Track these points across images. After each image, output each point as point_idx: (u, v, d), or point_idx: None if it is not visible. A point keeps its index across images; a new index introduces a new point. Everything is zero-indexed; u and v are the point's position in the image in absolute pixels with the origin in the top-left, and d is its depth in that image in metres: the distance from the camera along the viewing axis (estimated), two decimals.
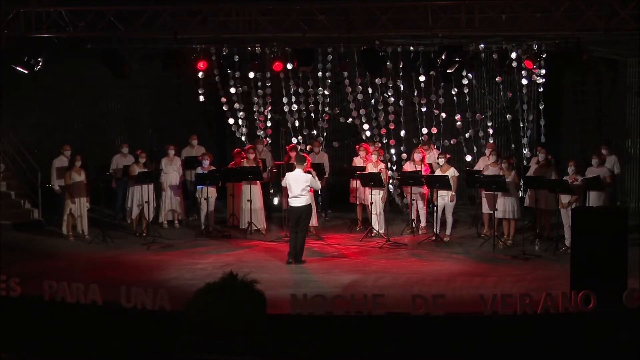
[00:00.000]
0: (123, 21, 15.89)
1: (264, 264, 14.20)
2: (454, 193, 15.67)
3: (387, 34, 16.31)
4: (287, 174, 14.63)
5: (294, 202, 14.18)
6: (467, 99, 18.42)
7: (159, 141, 17.12)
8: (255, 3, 15.85)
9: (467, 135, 18.50)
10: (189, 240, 16.23)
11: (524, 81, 17.88)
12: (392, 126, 18.54)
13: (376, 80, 18.39)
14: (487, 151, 16.47)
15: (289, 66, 17.78)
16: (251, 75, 18.64)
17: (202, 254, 15.12)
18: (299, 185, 14.11)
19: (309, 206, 14.34)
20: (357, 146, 17.33)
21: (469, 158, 18.14)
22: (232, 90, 19.00)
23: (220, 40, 17.44)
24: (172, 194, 17.25)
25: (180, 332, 10.12)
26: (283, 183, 14.71)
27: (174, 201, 17.34)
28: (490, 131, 18.40)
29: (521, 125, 18.15)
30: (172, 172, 17.13)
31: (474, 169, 16.65)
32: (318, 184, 14.62)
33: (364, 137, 18.39)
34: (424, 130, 18.44)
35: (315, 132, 18.90)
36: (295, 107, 18.82)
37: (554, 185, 14.72)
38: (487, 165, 15.90)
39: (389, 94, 18.47)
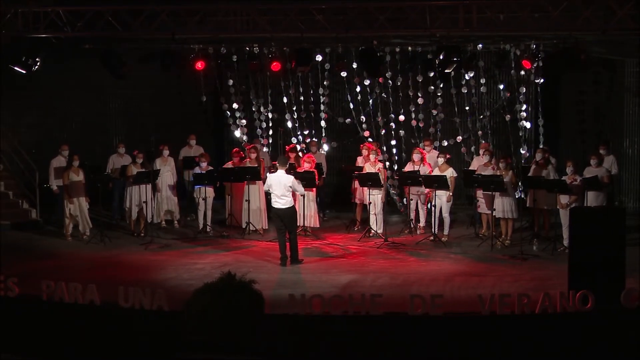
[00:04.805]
0: (121, 21, 15.91)
1: (262, 264, 14.20)
2: (451, 193, 15.67)
3: (385, 34, 16.32)
4: (268, 175, 14.59)
5: (277, 204, 14.09)
6: (465, 99, 18.42)
7: (157, 141, 17.11)
8: (253, 3, 15.86)
9: (465, 135, 18.52)
10: (187, 241, 16.23)
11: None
12: (392, 126, 18.56)
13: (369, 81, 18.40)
14: (481, 151, 16.48)
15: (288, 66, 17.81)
16: (249, 75, 18.65)
17: (200, 254, 15.11)
18: (281, 187, 14.01)
19: (292, 208, 14.20)
20: (360, 145, 17.32)
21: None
22: (231, 90, 19.00)
23: (218, 40, 17.43)
24: (168, 194, 17.23)
25: (178, 332, 10.12)
26: (265, 187, 14.59)
27: (171, 202, 17.34)
28: (480, 133, 18.39)
29: (519, 125, 18.14)
30: (166, 172, 17.10)
31: (469, 169, 16.64)
32: (301, 189, 14.45)
33: (368, 138, 18.33)
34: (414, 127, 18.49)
35: (314, 131, 18.91)
36: (294, 107, 18.82)
37: (552, 185, 14.73)
38: (481, 165, 15.90)
39: (386, 94, 18.47)
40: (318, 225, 16.51)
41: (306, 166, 15.86)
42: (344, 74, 18.23)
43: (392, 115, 18.57)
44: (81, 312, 10.78)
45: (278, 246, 14.31)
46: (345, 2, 15.85)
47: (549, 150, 16.15)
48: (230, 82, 18.90)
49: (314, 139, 18.60)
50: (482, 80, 18.29)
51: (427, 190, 16.04)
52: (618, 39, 16.19)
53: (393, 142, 18.61)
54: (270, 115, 19.14)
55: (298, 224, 15.29)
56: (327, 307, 10.46)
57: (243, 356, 9.96)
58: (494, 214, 15.26)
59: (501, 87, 18.32)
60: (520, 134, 18.04)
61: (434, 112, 18.43)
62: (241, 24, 16.26)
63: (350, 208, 17.41)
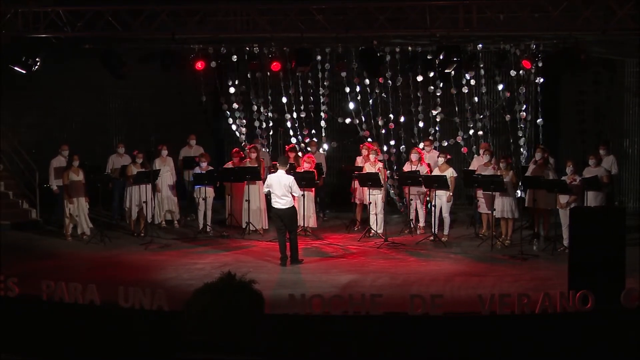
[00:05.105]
0: (121, 21, 15.92)
1: (262, 264, 14.20)
2: (451, 193, 15.67)
3: (385, 34, 16.31)
4: (269, 176, 14.58)
5: (277, 204, 14.07)
6: (465, 99, 18.40)
7: (157, 141, 17.10)
8: (253, 3, 15.86)
9: (465, 135, 18.50)
10: (187, 241, 16.23)
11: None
12: (391, 126, 18.54)
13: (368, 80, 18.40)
14: (481, 151, 16.46)
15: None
16: (249, 75, 18.65)
17: (200, 254, 15.11)
18: (282, 188, 13.98)
19: (292, 208, 14.18)
20: (360, 145, 17.32)
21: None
22: (231, 90, 19.00)
23: (218, 40, 17.43)
24: (168, 194, 17.23)
25: (178, 332, 10.12)
26: (265, 189, 14.54)
27: (171, 202, 17.34)
28: (481, 133, 18.38)
29: (519, 125, 18.14)
30: (166, 172, 17.09)
31: (469, 169, 16.63)
32: (298, 191, 14.40)
33: (368, 138, 18.30)
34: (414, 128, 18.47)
35: (314, 131, 18.91)
36: (293, 106, 18.80)
37: (552, 185, 14.72)
38: (481, 165, 15.90)
39: (386, 94, 18.46)
40: (316, 226, 16.51)
41: (306, 166, 15.89)
42: (343, 74, 18.23)
43: (391, 115, 18.54)
44: (81, 312, 10.78)
45: (278, 246, 14.31)
46: (345, 2, 15.84)
47: (547, 150, 16.15)
48: (230, 82, 18.90)
49: (314, 139, 18.59)
50: (482, 80, 18.28)
51: (426, 190, 16.06)
52: (618, 39, 16.19)
53: (392, 142, 18.60)
54: (270, 115, 19.13)
55: (298, 224, 15.28)
56: (327, 307, 10.46)
57: (243, 356, 9.97)
58: (494, 214, 15.27)
59: (501, 87, 18.31)
60: (520, 134, 18.01)
61: (434, 112, 18.42)
62: (241, 24, 16.26)
63: (350, 208, 17.41)
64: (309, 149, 18.09)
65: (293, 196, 14.22)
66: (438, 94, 18.32)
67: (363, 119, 18.61)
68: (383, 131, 18.51)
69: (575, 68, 16.51)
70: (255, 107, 19.11)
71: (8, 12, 15.92)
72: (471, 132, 18.35)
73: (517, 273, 13.47)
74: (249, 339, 9.95)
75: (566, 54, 15.88)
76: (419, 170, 16.02)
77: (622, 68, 18.43)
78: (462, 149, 18.50)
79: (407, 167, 16.52)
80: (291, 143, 18.12)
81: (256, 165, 16.69)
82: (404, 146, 18.47)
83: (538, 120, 17.97)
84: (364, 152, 16.79)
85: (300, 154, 17.74)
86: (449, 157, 16.42)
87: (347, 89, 18.60)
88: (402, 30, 15.94)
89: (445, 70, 16.55)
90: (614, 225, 11.39)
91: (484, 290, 11.55)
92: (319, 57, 18.04)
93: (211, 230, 16.73)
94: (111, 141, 19.48)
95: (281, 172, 14.12)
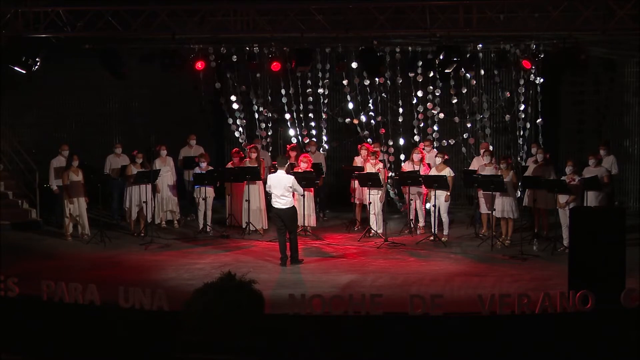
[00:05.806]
0: (121, 21, 15.89)
1: (262, 264, 14.20)
2: (448, 193, 15.66)
3: (385, 34, 16.31)
4: (269, 176, 14.58)
5: (277, 204, 14.03)
6: (465, 99, 18.41)
7: (157, 141, 17.10)
8: (253, 3, 15.86)
9: (465, 135, 18.52)
10: (187, 241, 16.22)
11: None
12: (390, 126, 18.54)
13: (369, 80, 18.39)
14: (481, 151, 16.46)
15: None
16: (249, 75, 18.65)
17: (200, 254, 15.10)
18: (281, 188, 13.95)
19: (292, 208, 14.15)
20: (359, 145, 17.32)
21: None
22: (231, 90, 18.99)
23: (218, 40, 17.43)
24: (168, 194, 17.23)
25: (179, 332, 10.13)
26: (267, 188, 14.54)
27: (171, 201, 17.34)
28: (487, 131, 18.41)
29: (519, 125, 18.15)
30: (166, 172, 17.08)
31: (469, 169, 16.63)
32: (300, 189, 14.40)
33: (368, 139, 18.30)
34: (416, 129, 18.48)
35: (314, 131, 18.92)
36: (293, 107, 18.81)
37: (551, 185, 14.72)
38: (481, 165, 15.89)
39: (386, 94, 18.47)
40: (314, 225, 16.51)
41: (303, 166, 15.84)
42: (344, 73, 18.21)
43: (389, 116, 18.53)
44: (81, 312, 10.79)
45: (278, 246, 14.31)
46: (345, 2, 15.83)
47: (548, 153, 16.13)
48: (230, 82, 18.90)
49: (313, 139, 18.60)
50: (482, 80, 18.27)
51: (424, 190, 16.07)
52: (618, 39, 16.19)
53: (391, 143, 18.61)
54: (270, 115, 19.13)
55: (298, 224, 15.28)
56: (327, 307, 10.47)
57: (243, 356, 9.97)
58: (493, 214, 15.27)
59: (501, 87, 18.32)
60: (519, 134, 18.01)
61: (434, 112, 18.42)
62: (241, 24, 16.24)
63: (350, 208, 17.40)
64: (307, 148, 18.10)
65: (293, 195, 14.21)
66: (438, 93, 18.33)
67: (363, 119, 18.61)
68: (383, 131, 18.52)
69: (575, 68, 16.52)
70: (255, 107, 19.11)
71: (8, 12, 15.89)
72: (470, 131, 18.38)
73: (517, 273, 13.47)
74: (249, 339, 9.95)
75: (566, 54, 15.89)
76: (419, 170, 16.01)
77: (622, 68, 18.44)
78: (462, 149, 18.51)
79: (407, 167, 16.51)
80: (292, 142, 18.13)
81: (256, 165, 16.69)
82: (401, 146, 18.47)
83: (538, 120, 17.99)
84: (363, 152, 16.78)
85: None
86: (446, 157, 16.42)
87: (347, 89, 18.60)
88: (402, 30, 15.92)
89: (445, 70, 16.55)
90: (614, 225, 11.39)
91: (484, 290, 11.55)
92: (319, 57, 18.05)
93: (211, 230, 16.73)
94: (111, 141, 19.43)
95: (281, 172, 14.11)
